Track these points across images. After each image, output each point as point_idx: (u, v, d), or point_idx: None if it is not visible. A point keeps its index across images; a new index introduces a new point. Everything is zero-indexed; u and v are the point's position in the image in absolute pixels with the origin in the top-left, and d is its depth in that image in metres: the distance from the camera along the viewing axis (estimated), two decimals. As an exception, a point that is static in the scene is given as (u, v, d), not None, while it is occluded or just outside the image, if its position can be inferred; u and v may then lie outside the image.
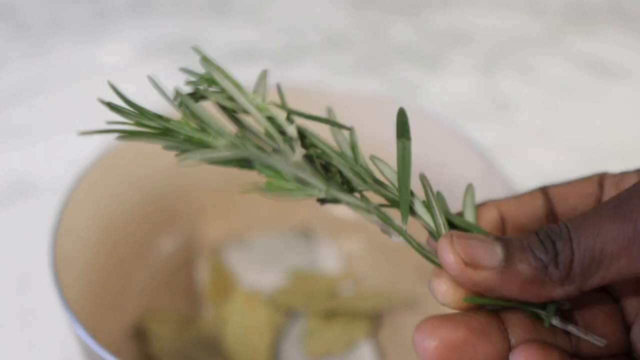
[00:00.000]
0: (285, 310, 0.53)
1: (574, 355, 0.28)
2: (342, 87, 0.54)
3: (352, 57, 0.79)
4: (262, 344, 0.50)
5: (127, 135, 0.28)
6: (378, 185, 0.30)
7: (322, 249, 0.57)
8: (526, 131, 0.70)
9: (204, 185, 0.56)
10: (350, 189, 0.30)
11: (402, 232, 0.29)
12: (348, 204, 0.29)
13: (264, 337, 0.51)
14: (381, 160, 0.31)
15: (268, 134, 0.28)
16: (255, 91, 0.29)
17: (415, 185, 0.30)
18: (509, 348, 0.27)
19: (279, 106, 0.29)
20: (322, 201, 0.29)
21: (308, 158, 0.29)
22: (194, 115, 0.28)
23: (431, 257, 0.29)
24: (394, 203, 0.30)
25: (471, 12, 0.86)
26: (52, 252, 0.43)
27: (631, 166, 0.32)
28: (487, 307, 0.28)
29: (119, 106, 0.28)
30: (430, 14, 0.86)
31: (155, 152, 0.52)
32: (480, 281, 0.27)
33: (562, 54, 0.79)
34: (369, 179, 0.30)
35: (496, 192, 0.44)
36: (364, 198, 0.30)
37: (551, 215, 0.31)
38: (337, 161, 0.29)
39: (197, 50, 0.28)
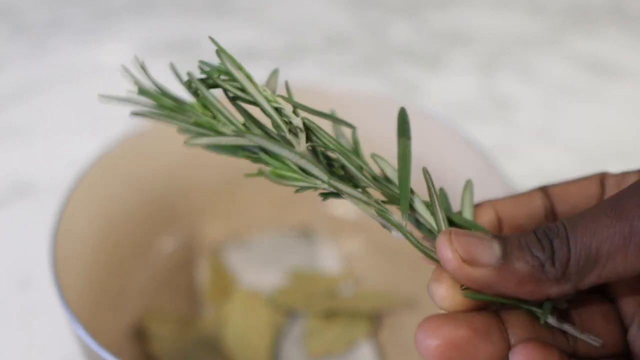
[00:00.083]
0: (285, 310, 0.53)
1: (571, 355, 0.28)
2: (342, 87, 0.54)
3: (352, 57, 0.79)
4: (262, 344, 0.50)
5: (143, 113, 0.28)
6: (379, 181, 0.31)
7: (322, 249, 0.57)
8: (526, 131, 0.70)
9: (204, 185, 0.56)
10: (352, 184, 0.30)
11: (401, 228, 0.29)
12: (350, 197, 0.29)
13: (264, 337, 0.51)
14: (382, 158, 0.32)
15: (275, 124, 0.29)
16: (266, 85, 0.30)
17: (415, 184, 0.30)
18: (509, 348, 0.27)
19: (286, 100, 0.29)
20: (325, 195, 0.30)
21: (312, 151, 0.30)
22: (205, 100, 0.28)
23: (429, 253, 0.29)
24: (394, 200, 0.30)
25: (471, 12, 0.86)
26: (52, 252, 0.43)
27: (631, 166, 0.32)
28: (487, 307, 0.28)
29: (141, 82, 0.28)
30: (430, 14, 0.86)
31: (155, 152, 0.53)
32: (478, 278, 0.27)
33: (562, 54, 0.79)
34: (370, 175, 0.30)
35: (496, 192, 0.44)
36: (365, 192, 0.30)
37: (551, 214, 0.31)
38: (340, 156, 0.30)
39: (213, 40, 0.29)
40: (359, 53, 0.80)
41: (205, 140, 0.29)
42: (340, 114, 0.32)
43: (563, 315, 0.29)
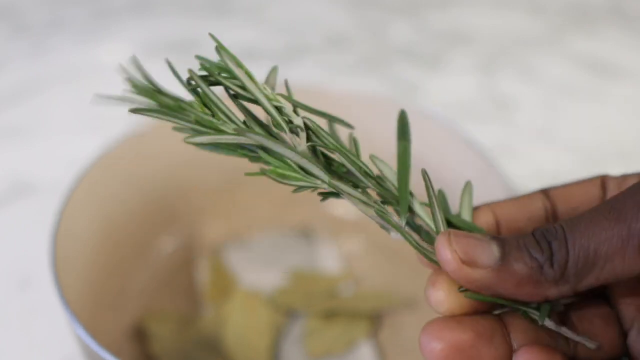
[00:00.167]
0: (285, 310, 0.53)
1: (572, 359, 0.28)
2: (342, 87, 0.54)
3: (352, 57, 0.79)
4: (262, 344, 0.50)
5: (140, 110, 0.28)
6: (378, 182, 0.31)
7: (322, 249, 0.57)
8: (526, 131, 0.70)
9: (204, 185, 0.56)
10: (352, 184, 0.30)
11: (400, 229, 0.29)
12: (349, 197, 0.29)
13: (264, 337, 0.51)
14: (381, 160, 0.32)
15: (276, 123, 0.29)
16: (265, 83, 0.30)
17: (414, 186, 0.31)
18: (511, 352, 0.28)
19: (286, 99, 0.29)
20: (324, 195, 0.30)
21: (312, 150, 0.30)
22: (205, 98, 0.28)
23: (428, 254, 0.29)
24: (393, 201, 0.30)
25: (471, 12, 0.86)
26: (52, 252, 0.43)
27: (631, 166, 0.32)
28: (487, 310, 0.28)
29: (138, 81, 0.28)
30: (430, 14, 0.86)
31: (155, 152, 0.53)
32: (477, 279, 0.27)
33: (562, 54, 0.79)
34: (369, 176, 0.30)
35: (496, 192, 0.44)
36: (365, 193, 0.30)
37: (552, 217, 0.31)
38: (340, 156, 0.30)
39: (212, 37, 0.29)
40: (359, 53, 0.80)
41: (205, 138, 0.29)
42: (340, 114, 0.32)
43: (562, 318, 0.29)
